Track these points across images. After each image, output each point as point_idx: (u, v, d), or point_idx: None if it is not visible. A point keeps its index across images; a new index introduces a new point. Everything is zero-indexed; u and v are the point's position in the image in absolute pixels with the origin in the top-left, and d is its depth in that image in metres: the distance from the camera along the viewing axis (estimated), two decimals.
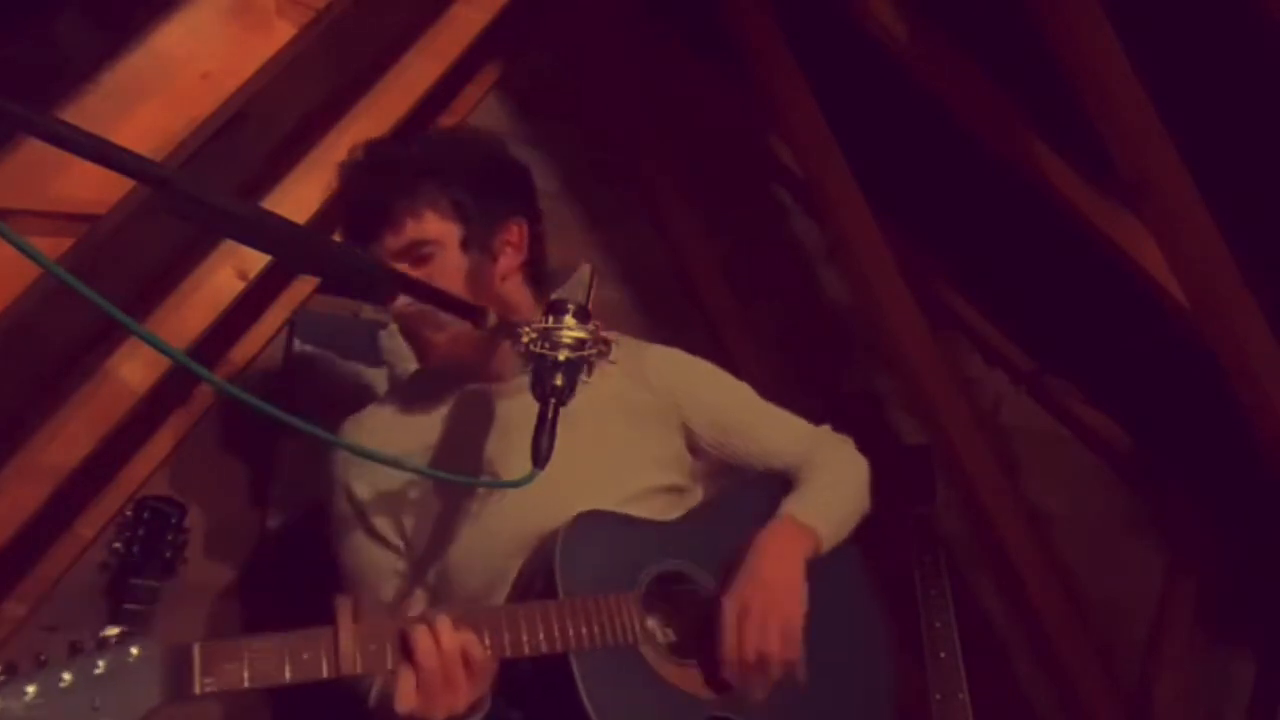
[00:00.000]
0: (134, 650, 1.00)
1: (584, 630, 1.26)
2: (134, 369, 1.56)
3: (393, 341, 2.19)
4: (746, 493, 1.60)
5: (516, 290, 1.48)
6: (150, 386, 1.58)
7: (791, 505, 1.50)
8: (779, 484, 1.59)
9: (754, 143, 2.81)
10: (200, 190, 0.93)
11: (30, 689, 0.94)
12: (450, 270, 1.39)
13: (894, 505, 1.70)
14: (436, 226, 1.40)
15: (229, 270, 1.65)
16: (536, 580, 1.34)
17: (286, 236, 1.05)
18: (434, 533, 1.45)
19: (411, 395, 1.54)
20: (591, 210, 2.59)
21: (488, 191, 1.44)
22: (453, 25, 1.83)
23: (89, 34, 0.99)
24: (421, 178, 1.40)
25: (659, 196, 2.66)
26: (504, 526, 1.41)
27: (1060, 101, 1.80)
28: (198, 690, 1.02)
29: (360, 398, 2.15)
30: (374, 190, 1.41)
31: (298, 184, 1.68)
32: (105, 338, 1.53)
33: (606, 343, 1.22)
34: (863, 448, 1.68)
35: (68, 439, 1.51)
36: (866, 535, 1.58)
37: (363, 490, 1.46)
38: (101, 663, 0.98)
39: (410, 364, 1.54)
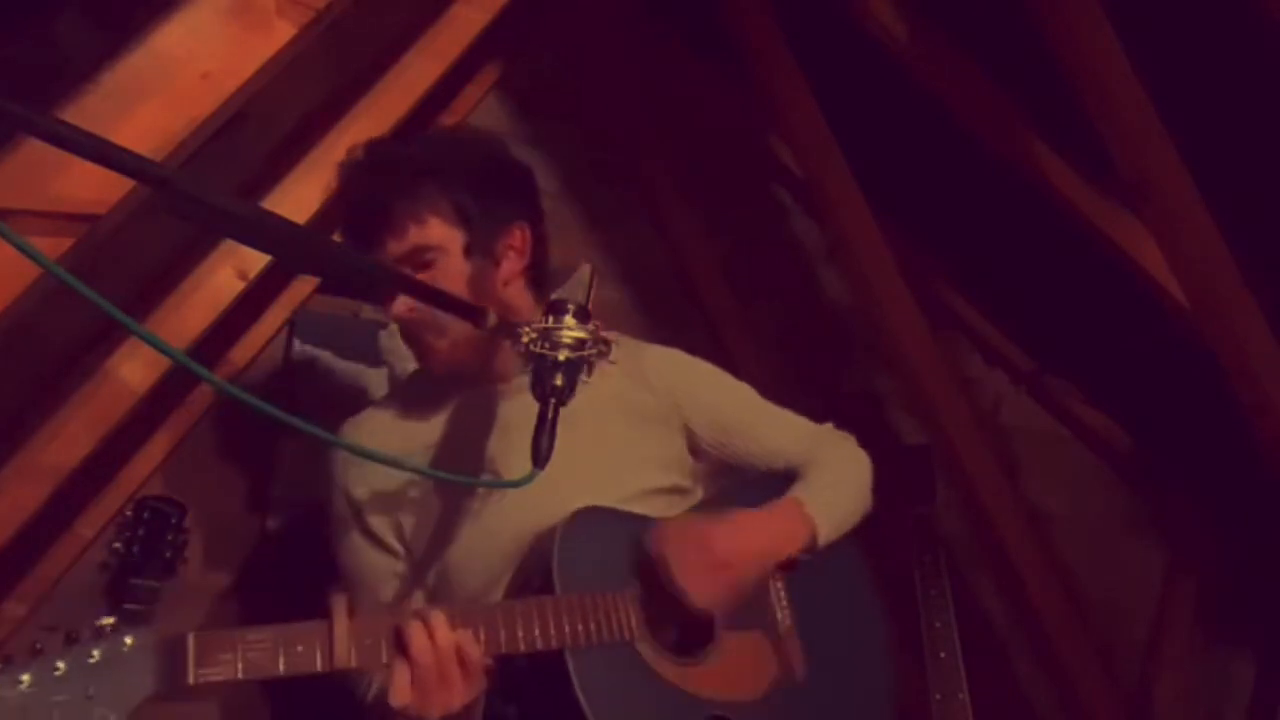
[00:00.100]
0: (128, 640, 1.00)
1: (580, 627, 1.26)
2: (134, 369, 1.56)
3: (393, 341, 2.19)
4: (746, 493, 1.60)
5: (519, 294, 1.47)
6: (150, 386, 1.58)
7: (793, 492, 1.50)
8: (780, 484, 1.59)
9: (754, 143, 2.81)
10: (200, 190, 0.93)
11: (25, 678, 0.94)
12: (452, 276, 1.37)
13: (894, 505, 1.70)
14: (439, 232, 1.39)
15: (229, 270, 1.65)
16: (534, 577, 1.34)
17: (286, 236, 1.05)
18: (433, 533, 1.45)
19: (411, 396, 1.54)
20: (591, 210, 2.59)
21: (491, 195, 1.43)
22: (453, 25, 1.83)
23: (89, 34, 0.99)
24: (423, 180, 1.39)
25: (659, 196, 2.66)
26: (504, 526, 1.41)
27: (1060, 101, 1.80)
28: (191, 680, 1.03)
29: (360, 398, 2.16)
30: (375, 193, 1.39)
31: (298, 184, 1.68)
32: (105, 338, 1.53)
33: (606, 343, 1.22)
34: (863, 448, 1.68)
35: (68, 439, 1.51)
36: (866, 535, 1.58)
37: (360, 492, 1.45)
38: (96, 652, 0.99)
39: (410, 364, 1.54)
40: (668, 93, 2.71)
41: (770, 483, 1.59)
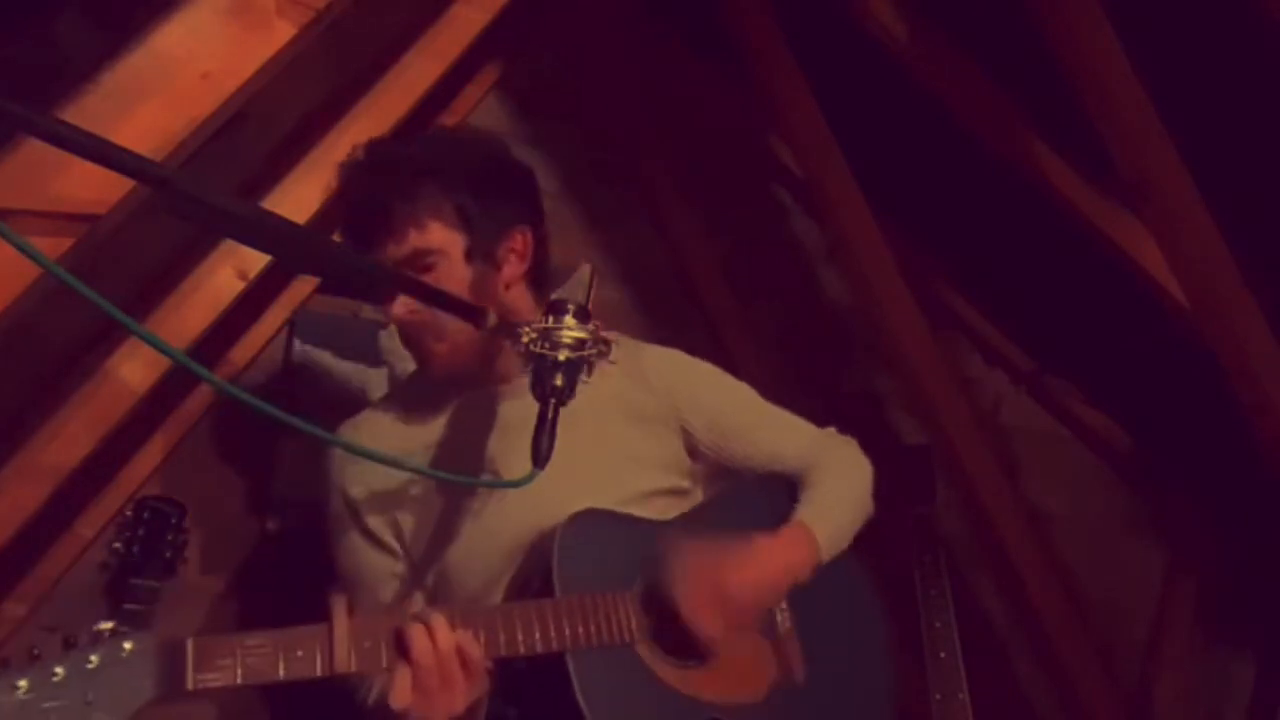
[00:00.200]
0: (127, 645, 1.00)
1: (580, 629, 1.26)
2: (134, 369, 1.56)
3: (393, 341, 2.18)
4: (746, 494, 1.60)
5: (520, 297, 1.46)
6: (150, 386, 1.58)
7: (798, 515, 1.49)
8: (779, 485, 1.59)
9: (754, 143, 2.81)
10: (200, 190, 0.93)
11: (22, 683, 0.94)
12: (453, 280, 1.36)
13: (894, 505, 1.70)
14: (440, 236, 1.37)
15: (229, 270, 1.65)
16: (534, 579, 1.34)
17: (286, 236, 1.05)
18: (433, 533, 1.44)
19: (411, 396, 1.54)
20: (591, 210, 2.59)
21: (492, 197, 1.41)
22: (453, 25, 1.83)
23: (89, 34, 0.99)
24: (424, 182, 1.37)
25: (659, 196, 2.66)
26: (504, 526, 1.41)
27: (1060, 101, 1.80)
28: (190, 686, 1.02)
29: (360, 398, 2.15)
30: (375, 194, 1.37)
31: (298, 184, 1.68)
32: (105, 338, 1.53)
33: (606, 343, 1.22)
34: (863, 448, 1.68)
35: (68, 439, 1.50)
36: (867, 535, 1.58)
37: (357, 491, 1.45)
38: (95, 657, 0.98)
39: (410, 364, 1.54)
40: (668, 93, 2.71)
41: (770, 485, 1.59)
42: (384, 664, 1.15)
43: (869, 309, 2.56)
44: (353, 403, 2.14)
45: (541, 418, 1.18)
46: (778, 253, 2.88)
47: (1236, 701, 3.10)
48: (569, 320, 1.20)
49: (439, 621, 1.16)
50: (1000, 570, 2.63)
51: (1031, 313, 2.88)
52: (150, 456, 1.96)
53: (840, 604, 1.55)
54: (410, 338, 1.43)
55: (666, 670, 1.34)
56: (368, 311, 2.24)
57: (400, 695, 1.13)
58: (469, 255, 1.39)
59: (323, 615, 1.12)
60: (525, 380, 1.23)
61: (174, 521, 1.83)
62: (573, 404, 1.20)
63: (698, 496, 1.59)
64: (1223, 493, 2.96)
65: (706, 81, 2.71)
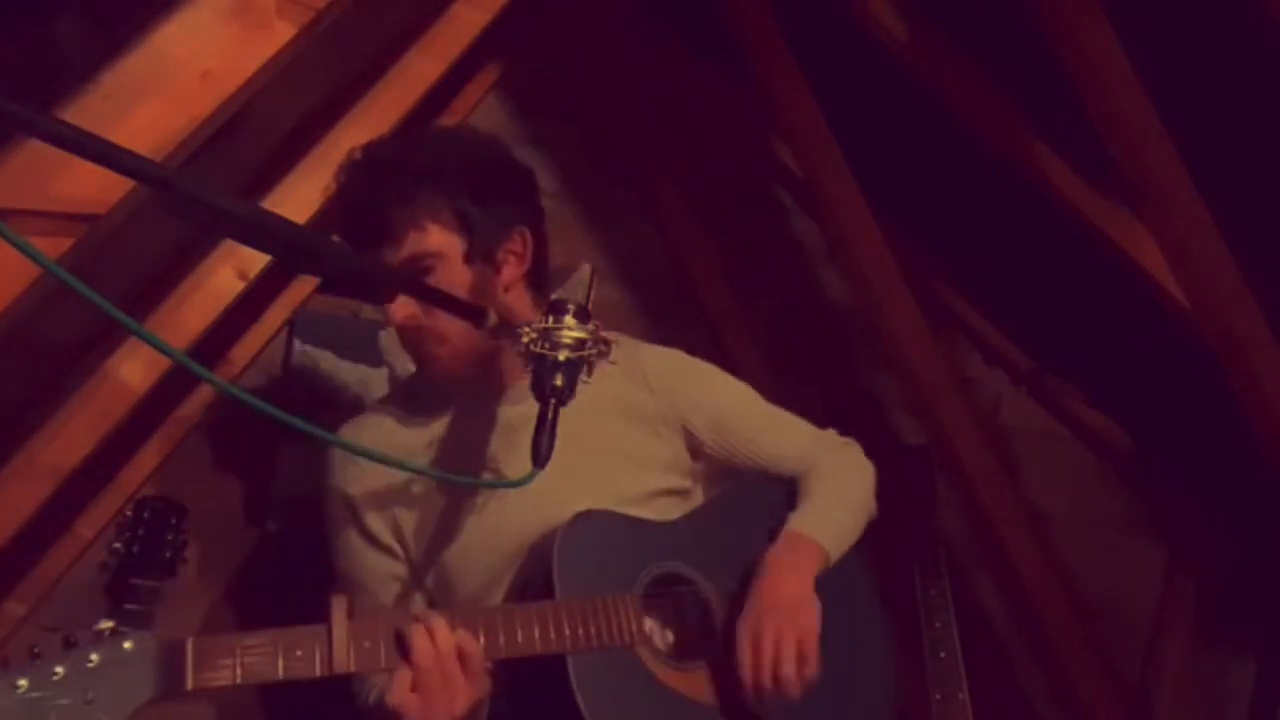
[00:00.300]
0: (127, 644, 1.00)
1: (580, 631, 1.26)
2: (134, 369, 1.55)
3: (393, 341, 2.18)
4: (747, 494, 1.60)
5: (519, 298, 1.46)
6: (150, 386, 1.57)
7: (798, 521, 1.49)
8: (780, 485, 1.59)
9: (754, 143, 2.81)
10: (200, 190, 0.93)
11: (23, 682, 0.94)
12: (453, 283, 1.35)
13: (894, 505, 1.70)
14: (438, 239, 1.37)
15: (229, 270, 1.64)
16: (535, 580, 1.34)
17: (286, 236, 1.05)
18: (433, 534, 1.44)
19: (411, 396, 1.54)
20: (591, 210, 2.59)
21: (492, 199, 1.41)
22: (453, 25, 1.82)
23: (89, 34, 0.99)
24: (422, 184, 1.36)
25: (659, 196, 2.66)
26: (505, 527, 1.41)
27: (1060, 101, 1.80)
28: (190, 685, 1.03)
29: (360, 398, 2.15)
30: (373, 198, 1.36)
31: (298, 184, 1.67)
32: (105, 338, 1.53)
33: (606, 343, 1.22)
34: (863, 448, 1.67)
35: (68, 439, 1.50)
36: (867, 536, 1.58)
37: (356, 491, 1.45)
38: (95, 656, 0.99)
39: (410, 364, 1.54)
40: (668, 93, 2.71)
41: (771, 485, 1.59)
42: (383, 664, 1.15)
43: (869, 309, 2.55)
44: (353, 403, 2.15)
45: (541, 418, 1.18)
46: (778, 253, 2.88)
47: (1236, 701, 3.09)
48: (569, 320, 1.20)
49: (439, 622, 1.16)
50: (1000, 570, 2.63)
51: (1031, 313, 2.88)
52: (150, 456, 1.95)
53: (840, 604, 1.54)
54: (411, 343, 1.43)
55: (667, 672, 1.34)
56: (368, 311, 2.23)
57: (401, 697, 1.14)
58: (468, 258, 1.39)
59: (323, 615, 1.12)
60: (525, 381, 1.23)
61: (174, 521, 1.83)
62: (573, 404, 1.20)
63: (698, 496, 1.59)
64: (1223, 493, 2.96)
65: (706, 81, 2.71)
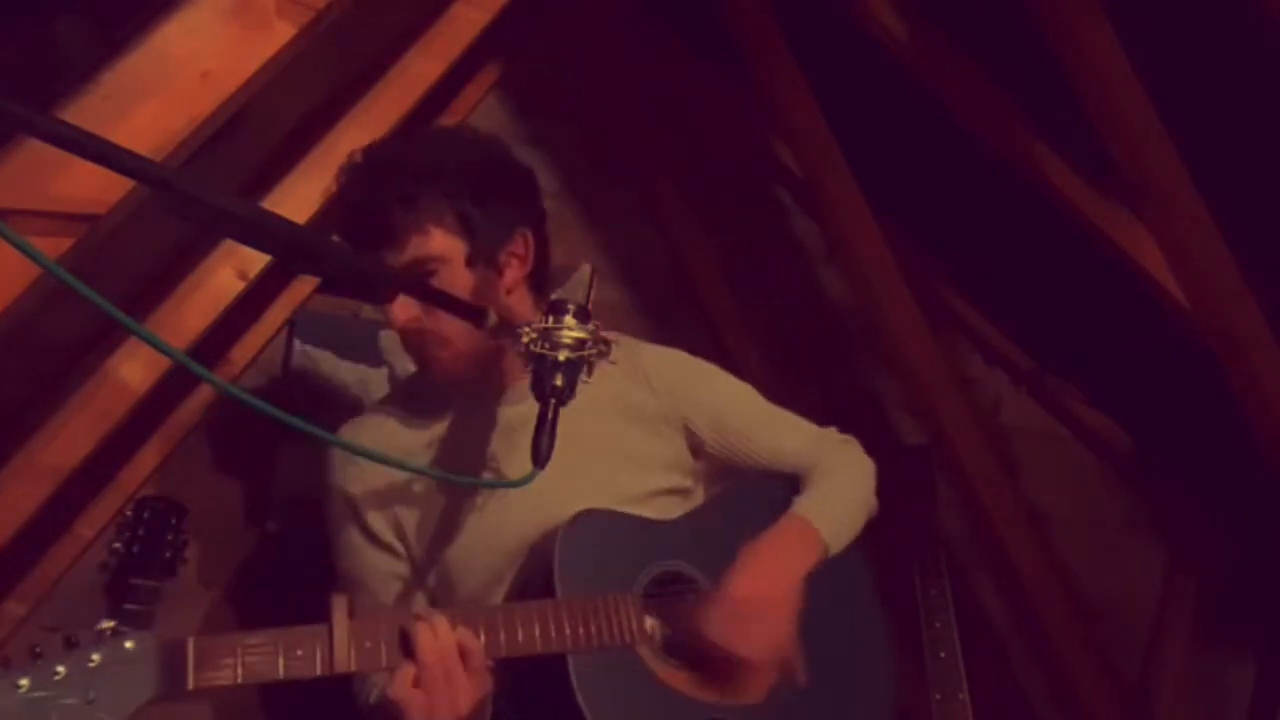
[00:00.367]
0: (128, 644, 1.01)
1: (581, 630, 1.26)
2: (134, 369, 1.55)
3: (393, 341, 2.19)
4: (748, 492, 1.60)
5: (521, 300, 1.45)
6: (150, 386, 1.57)
7: (801, 505, 1.49)
8: (781, 484, 1.59)
9: (754, 143, 2.81)
10: (200, 190, 0.93)
11: (24, 682, 0.95)
12: (455, 286, 1.35)
13: (894, 505, 1.70)
14: (441, 242, 1.36)
15: (229, 270, 1.64)
16: (535, 579, 1.34)
17: (286, 236, 1.05)
18: (434, 534, 1.45)
19: (412, 396, 1.54)
20: (591, 210, 2.59)
21: (494, 202, 1.40)
22: (453, 25, 1.82)
23: (89, 34, 0.99)
24: (424, 185, 1.36)
25: (659, 196, 2.66)
26: (505, 526, 1.41)
27: (1060, 101, 1.80)
28: (191, 685, 1.03)
29: (361, 398, 2.16)
30: (375, 201, 1.36)
31: (298, 184, 1.67)
32: (105, 338, 1.53)
33: (606, 343, 1.22)
34: (863, 448, 1.67)
35: (68, 439, 1.50)
36: (867, 535, 1.58)
37: (356, 490, 1.45)
38: (96, 655, 0.99)
39: (410, 364, 1.54)
40: (668, 93, 2.71)
41: (772, 484, 1.59)
42: (384, 663, 1.15)
43: (869, 309, 2.55)
44: (353, 403, 2.15)
45: (542, 418, 1.18)
46: (778, 253, 2.88)
47: (1236, 701, 3.09)
48: (569, 320, 1.20)
49: (440, 621, 1.16)
50: (1000, 570, 2.63)
51: (1031, 313, 2.88)
52: (150, 456, 1.95)
53: (840, 604, 1.55)
54: (413, 345, 1.43)
55: (668, 671, 1.34)
56: (368, 311, 2.24)
57: (404, 695, 1.14)
58: (470, 261, 1.38)
59: (323, 615, 1.12)
60: (525, 381, 1.23)
61: (174, 521, 1.83)
62: (573, 404, 1.20)
63: (699, 496, 1.59)
64: (1223, 493, 2.96)
65: (706, 81, 2.71)
